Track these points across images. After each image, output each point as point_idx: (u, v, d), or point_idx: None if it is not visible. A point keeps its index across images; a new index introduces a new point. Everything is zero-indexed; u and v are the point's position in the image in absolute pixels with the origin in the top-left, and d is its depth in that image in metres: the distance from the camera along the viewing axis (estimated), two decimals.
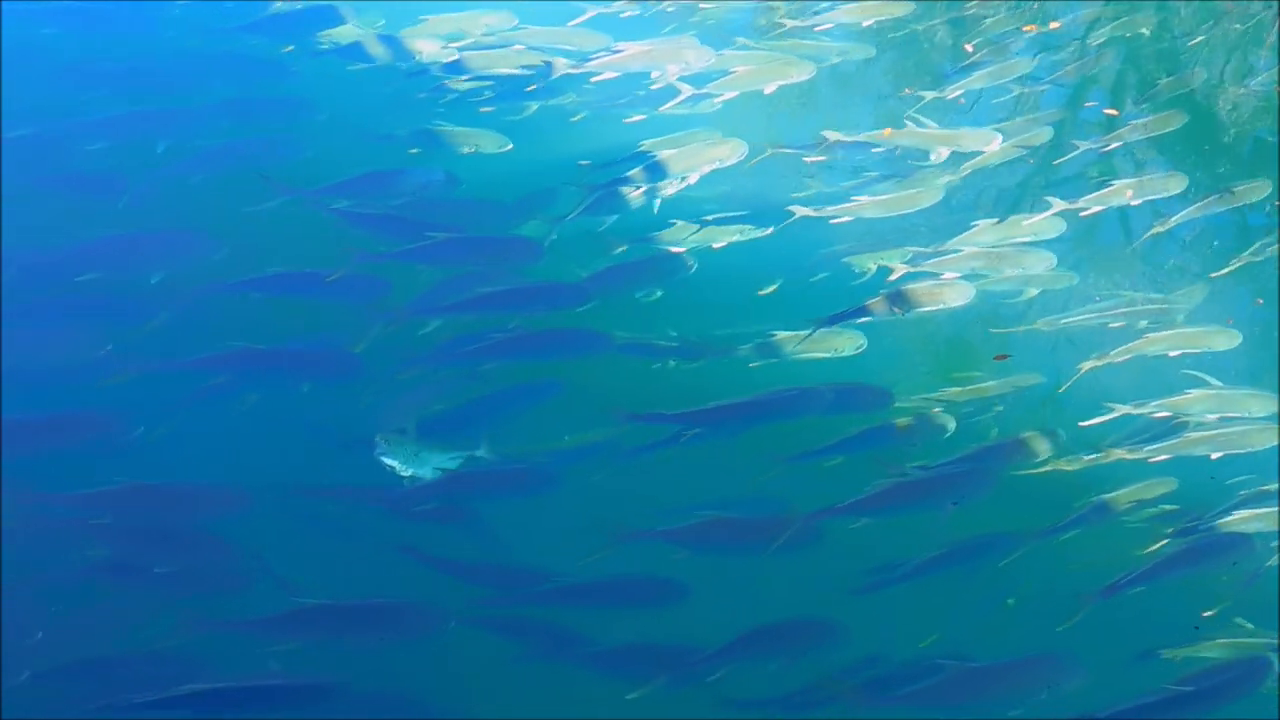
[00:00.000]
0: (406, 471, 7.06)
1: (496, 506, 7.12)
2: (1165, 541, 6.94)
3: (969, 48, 10.14)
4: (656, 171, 8.63)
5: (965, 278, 8.17)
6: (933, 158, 8.94)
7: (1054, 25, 10.35)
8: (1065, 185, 9.19)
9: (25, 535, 6.61)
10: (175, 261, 8.10)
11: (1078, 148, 9.29)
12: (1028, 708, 6.34)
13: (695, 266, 8.31)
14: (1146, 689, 6.33)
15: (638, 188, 8.58)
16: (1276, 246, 8.65)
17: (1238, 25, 10.70)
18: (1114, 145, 9.28)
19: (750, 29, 10.28)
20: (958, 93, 9.68)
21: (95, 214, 8.42)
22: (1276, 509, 6.94)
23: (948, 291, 8.07)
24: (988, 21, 10.50)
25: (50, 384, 7.44)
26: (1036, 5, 10.75)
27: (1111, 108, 10.01)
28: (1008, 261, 8.30)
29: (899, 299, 7.95)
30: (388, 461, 7.08)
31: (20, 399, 7.22)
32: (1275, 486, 7.09)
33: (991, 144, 9.00)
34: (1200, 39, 10.55)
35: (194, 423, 7.33)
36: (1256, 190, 8.84)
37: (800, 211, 8.45)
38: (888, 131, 9.10)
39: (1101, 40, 10.44)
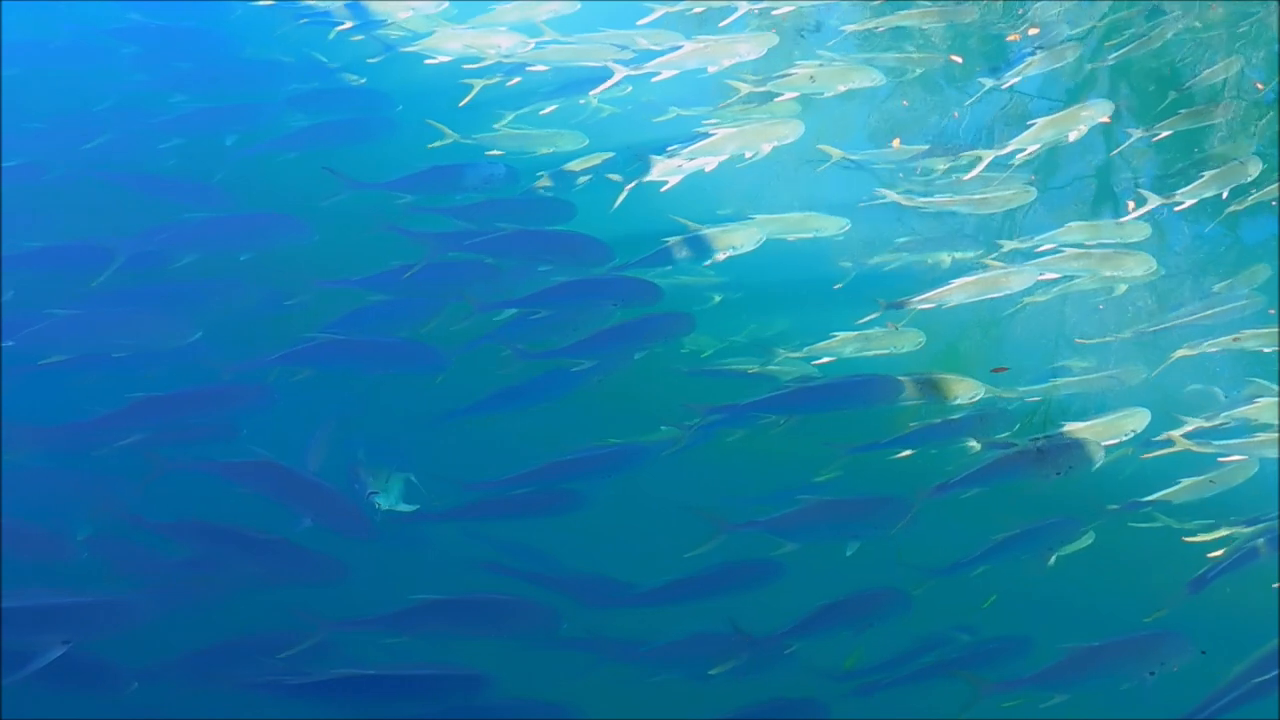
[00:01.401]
0: (385, 505, 7.05)
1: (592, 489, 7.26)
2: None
3: (957, 59, 10.24)
4: (718, 149, 8.69)
5: (1063, 278, 8.31)
6: (1071, 137, 9.05)
7: (1032, 31, 10.34)
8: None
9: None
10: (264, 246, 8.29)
11: (1131, 135, 9.44)
12: (1137, 686, 6.48)
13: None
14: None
15: (693, 160, 8.66)
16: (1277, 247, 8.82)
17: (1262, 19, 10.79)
18: (1164, 134, 9.35)
19: (817, 35, 10.39)
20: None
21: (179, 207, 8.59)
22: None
23: (1012, 279, 8.15)
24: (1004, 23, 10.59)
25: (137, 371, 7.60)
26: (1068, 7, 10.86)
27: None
28: (1107, 263, 8.35)
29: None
30: (375, 498, 7.07)
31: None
32: None
33: (1107, 112, 9.18)
34: (1244, 26, 10.66)
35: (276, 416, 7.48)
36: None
37: (890, 196, 8.58)
38: (896, 143, 9.24)
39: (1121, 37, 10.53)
